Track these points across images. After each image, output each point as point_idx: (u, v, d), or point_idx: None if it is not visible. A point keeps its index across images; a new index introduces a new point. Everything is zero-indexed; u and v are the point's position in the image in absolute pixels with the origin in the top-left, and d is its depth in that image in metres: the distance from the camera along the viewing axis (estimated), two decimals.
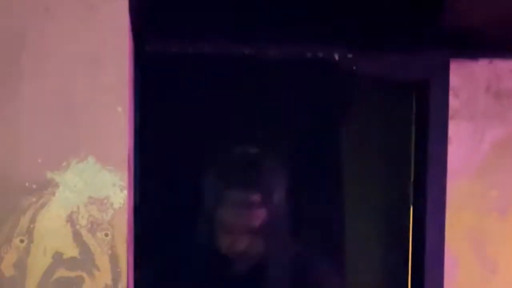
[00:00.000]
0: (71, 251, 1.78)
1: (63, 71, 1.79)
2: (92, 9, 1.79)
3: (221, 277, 1.97)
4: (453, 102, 2.42)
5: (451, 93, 2.42)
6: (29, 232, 1.77)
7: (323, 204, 2.41)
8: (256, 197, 1.99)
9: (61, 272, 1.78)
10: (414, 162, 2.47)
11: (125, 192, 1.81)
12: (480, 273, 2.42)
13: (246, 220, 1.95)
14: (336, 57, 2.37)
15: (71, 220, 1.79)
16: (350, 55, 2.37)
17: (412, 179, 2.46)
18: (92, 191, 1.80)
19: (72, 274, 1.78)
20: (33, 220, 1.77)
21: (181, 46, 2.29)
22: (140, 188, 1.93)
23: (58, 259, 1.78)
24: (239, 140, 2.30)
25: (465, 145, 2.42)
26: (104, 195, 1.80)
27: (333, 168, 2.33)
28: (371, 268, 2.48)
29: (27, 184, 1.77)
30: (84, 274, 1.79)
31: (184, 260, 1.97)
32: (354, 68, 2.36)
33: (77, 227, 1.79)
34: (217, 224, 1.95)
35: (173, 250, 2.04)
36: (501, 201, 2.43)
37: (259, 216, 1.97)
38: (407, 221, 2.46)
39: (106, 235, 1.80)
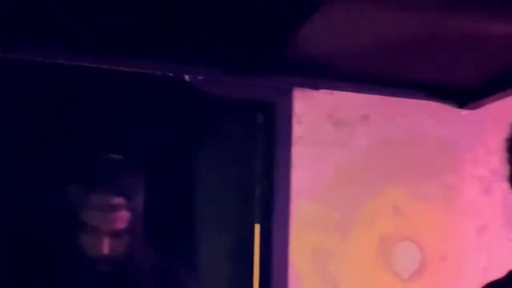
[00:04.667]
0: None
1: None
2: None
3: (84, 278, 1.94)
4: (297, 129, 2.50)
5: (294, 119, 2.50)
6: None
7: (175, 216, 2.40)
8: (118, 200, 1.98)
9: None
10: (260, 185, 2.51)
11: None
12: None
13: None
14: (187, 78, 2.40)
15: None
16: (200, 77, 2.40)
17: (258, 199, 2.50)
18: None
19: None
20: None
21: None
22: None
23: None
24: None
25: (309, 170, 2.50)
26: None
27: (183, 186, 2.32)
28: (218, 283, 2.45)
29: None
30: None
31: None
32: (205, 90, 2.39)
33: None
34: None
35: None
36: (342, 223, 2.51)
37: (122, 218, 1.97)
38: (252, 240, 2.48)
39: None
